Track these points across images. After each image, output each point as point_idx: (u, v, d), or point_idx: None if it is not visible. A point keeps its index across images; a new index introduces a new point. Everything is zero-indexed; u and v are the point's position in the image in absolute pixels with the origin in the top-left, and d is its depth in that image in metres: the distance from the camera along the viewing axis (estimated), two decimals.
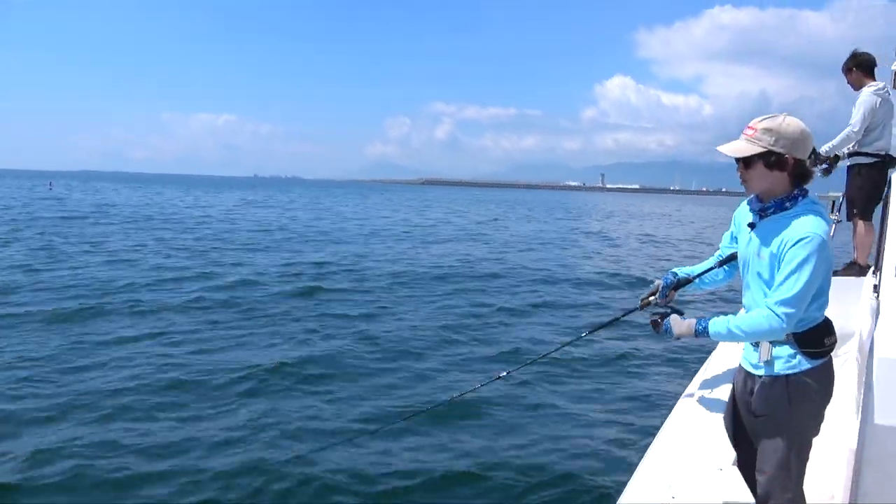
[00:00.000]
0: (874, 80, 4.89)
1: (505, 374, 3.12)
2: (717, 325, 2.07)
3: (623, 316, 2.62)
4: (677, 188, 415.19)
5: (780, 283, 1.91)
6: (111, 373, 6.44)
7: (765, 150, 1.95)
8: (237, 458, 4.59)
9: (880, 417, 1.92)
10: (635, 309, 2.47)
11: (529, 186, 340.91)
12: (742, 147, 1.99)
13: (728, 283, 2.42)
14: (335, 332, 8.51)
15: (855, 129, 4.80)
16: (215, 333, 8.18)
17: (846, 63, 4.99)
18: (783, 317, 1.90)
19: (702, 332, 2.11)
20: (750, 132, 1.98)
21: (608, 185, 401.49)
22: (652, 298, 2.39)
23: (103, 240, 18.40)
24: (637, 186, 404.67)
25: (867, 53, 4.98)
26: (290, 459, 4.57)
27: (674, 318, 2.19)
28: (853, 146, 4.92)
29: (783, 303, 1.90)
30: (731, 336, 2.06)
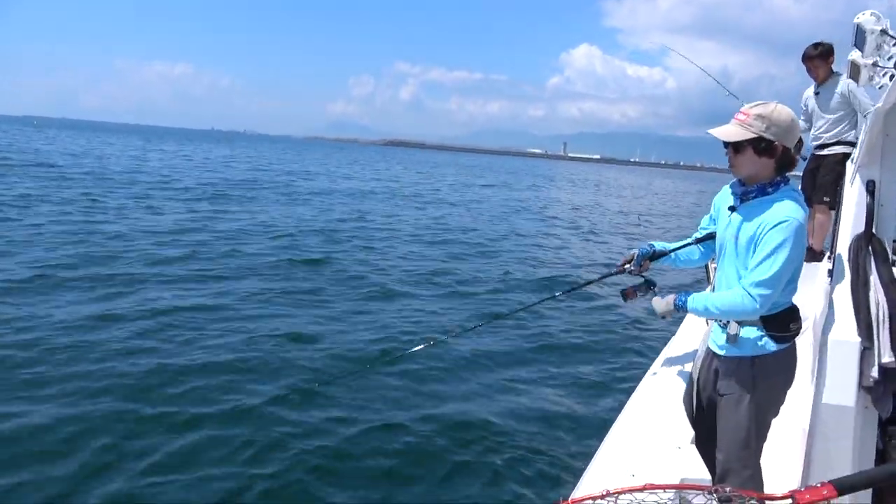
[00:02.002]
0: None
1: (473, 327, 3.79)
2: (695, 301, 2.16)
3: (598, 280, 2.73)
4: (637, 160, 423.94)
5: (757, 265, 1.94)
6: None
7: (756, 136, 1.96)
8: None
9: (832, 398, 2.07)
10: (610, 274, 2.53)
11: (492, 152, 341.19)
12: (734, 131, 1.99)
13: (703, 265, 2.52)
14: None
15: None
16: None
17: (828, 50, 4.86)
18: (758, 298, 1.94)
19: (681, 307, 2.20)
20: (742, 117, 1.99)
21: (570, 154, 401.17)
22: (627, 266, 2.43)
23: None
24: (598, 157, 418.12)
25: None
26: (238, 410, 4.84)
27: (655, 299, 2.29)
28: (833, 136, 4.91)
29: (759, 284, 1.93)
30: (706, 312, 2.14)
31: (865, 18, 2.54)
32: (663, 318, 2.29)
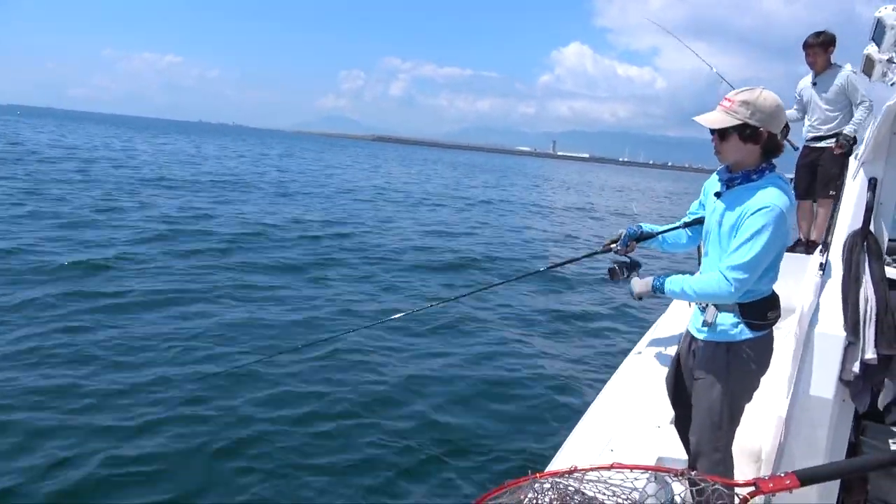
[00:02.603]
0: None
1: (454, 298, 3.55)
2: (672, 283, 2.15)
3: (583, 257, 2.75)
4: (626, 160, 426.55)
5: (735, 250, 1.95)
6: None
7: (741, 122, 1.96)
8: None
9: (813, 389, 2.11)
10: (596, 252, 2.55)
11: (482, 149, 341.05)
12: (719, 118, 1.99)
13: (689, 250, 2.49)
14: None
15: (868, 102, 4.66)
16: None
17: (829, 40, 4.75)
18: (733, 282, 1.94)
19: (658, 289, 2.20)
20: (727, 104, 1.99)
21: (559, 153, 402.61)
22: (614, 245, 2.43)
23: None
24: (587, 155, 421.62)
25: None
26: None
27: (634, 280, 2.30)
28: (831, 128, 4.86)
29: (735, 268, 1.93)
30: (683, 294, 2.13)
31: (887, 13, 2.49)
32: (639, 299, 2.28)
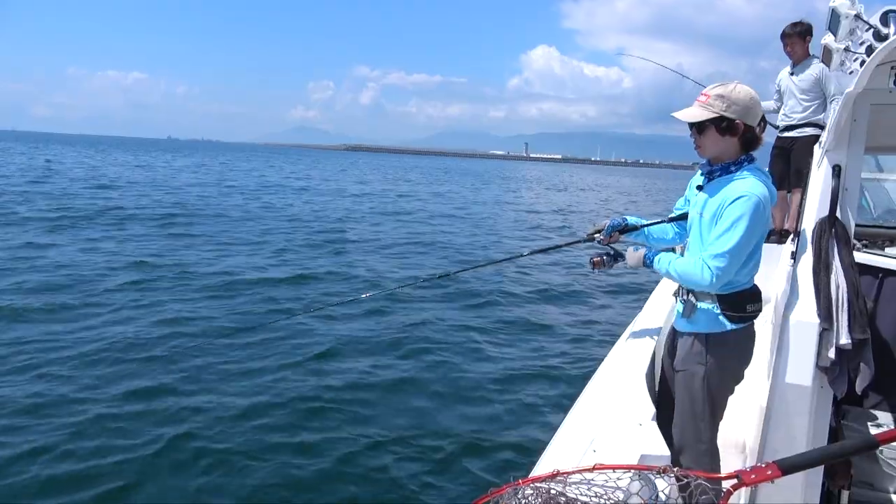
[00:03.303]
0: None
1: (439, 276, 3.69)
2: (661, 261, 2.19)
3: (566, 245, 2.79)
4: (598, 159, 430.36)
5: (716, 238, 1.99)
6: None
7: (717, 115, 2.00)
8: None
9: (791, 377, 2.13)
10: (579, 241, 2.59)
11: (455, 154, 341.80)
12: (696, 113, 2.04)
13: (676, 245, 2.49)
14: None
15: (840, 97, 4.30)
16: None
17: (806, 30, 4.68)
18: (714, 270, 1.96)
19: (649, 264, 2.24)
20: (703, 98, 2.03)
21: (532, 155, 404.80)
22: (597, 235, 2.45)
23: None
24: (560, 156, 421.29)
25: None
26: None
27: (629, 252, 2.31)
28: (803, 118, 4.87)
29: (716, 256, 1.96)
30: (668, 274, 2.17)
31: (840, 3, 2.54)
32: (634, 268, 2.35)
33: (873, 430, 2.76)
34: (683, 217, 2.34)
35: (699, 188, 2.16)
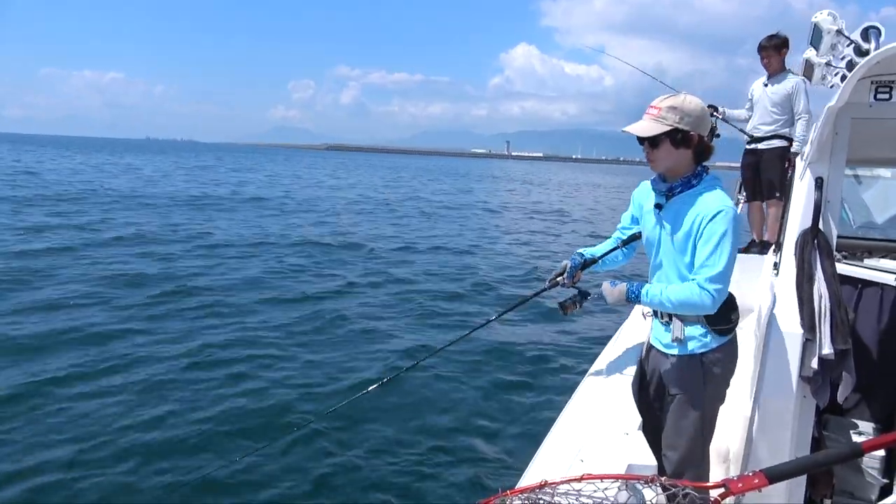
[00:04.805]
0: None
1: (423, 359, 3.44)
2: (650, 294, 2.07)
3: (532, 296, 2.65)
4: (579, 157, 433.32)
5: (706, 260, 1.93)
6: None
7: (671, 127, 1.95)
8: None
9: (775, 387, 2.17)
10: (544, 289, 2.48)
11: (437, 153, 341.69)
12: (649, 126, 1.98)
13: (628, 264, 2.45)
14: None
15: (807, 117, 4.84)
16: None
17: (782, 43, 4.86)
18: (714, 293, 1.92)
19: (634, 298, 2.11)
20: (654, 111, 1.98)
21: (513, 153, 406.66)
22: (560, 279, 2.39)
23: None
24: (541, 154, 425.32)
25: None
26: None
27: (605, 286, 2.19)
28: (771, 130, 4.97)
29: (712, 279, 1.91)
30: (661, 306, 2.07)
31: (822, 18, 2.57)
32: (614, 305, 2.21)
33: (855, 439, 2.81)
34: (634, 239, 2.30)
35: (658, 206, 2.08)
